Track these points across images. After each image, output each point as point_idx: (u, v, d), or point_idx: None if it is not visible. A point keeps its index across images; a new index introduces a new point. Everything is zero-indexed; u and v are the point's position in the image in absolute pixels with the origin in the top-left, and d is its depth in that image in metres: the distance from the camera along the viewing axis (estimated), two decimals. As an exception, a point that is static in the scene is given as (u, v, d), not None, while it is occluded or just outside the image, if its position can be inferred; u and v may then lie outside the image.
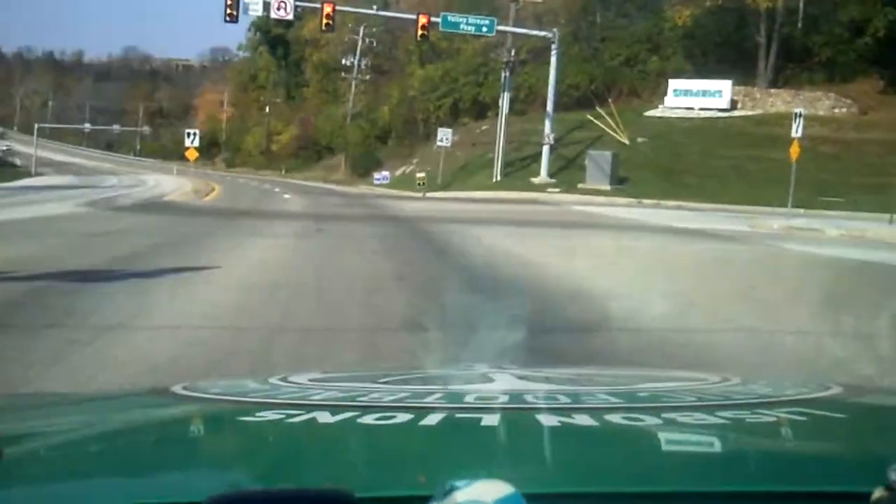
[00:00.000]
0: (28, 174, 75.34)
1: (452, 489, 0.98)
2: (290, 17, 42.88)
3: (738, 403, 1.92)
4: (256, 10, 39.86)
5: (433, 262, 12.97)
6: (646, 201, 36.14)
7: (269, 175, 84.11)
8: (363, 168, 69.63)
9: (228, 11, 38.08)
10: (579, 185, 40.47)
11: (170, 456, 1.51)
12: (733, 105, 49.41)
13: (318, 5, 41.94)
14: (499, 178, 45.48)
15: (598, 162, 40.76)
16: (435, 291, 9.66)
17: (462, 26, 42.82)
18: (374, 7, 47.53)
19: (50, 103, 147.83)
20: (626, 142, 45.75)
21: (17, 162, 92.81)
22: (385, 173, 58.63)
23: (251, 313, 7.94)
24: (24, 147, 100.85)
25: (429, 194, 43.38)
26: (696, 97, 49.66)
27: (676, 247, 16.62)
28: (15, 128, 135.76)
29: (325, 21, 39.58)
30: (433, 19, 41.50)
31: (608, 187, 39.36)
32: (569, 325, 7.70)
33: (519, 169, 46.41)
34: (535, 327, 6.93)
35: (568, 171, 43.61)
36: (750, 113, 49.19)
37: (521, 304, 8.14)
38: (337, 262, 12.29)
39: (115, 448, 1.57)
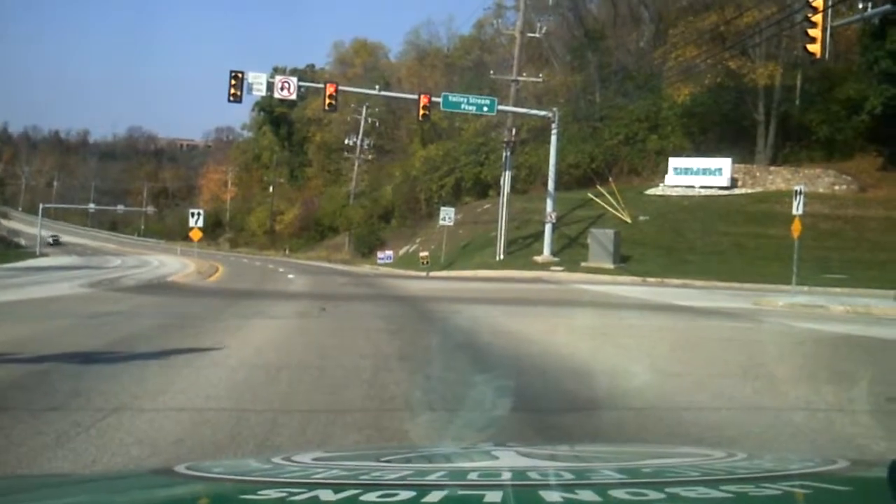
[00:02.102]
0: (32, 255, 75.60)
1: None
2: (294, 97, 43.49)
3: (743, 478, 1.90)
4: (260, 90, 40.41)
5: (438, 342, 12.93)
6: (650, 279, 36.16)
7: (272, 255, 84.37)
8: (366, 247, 69.86)
9: (232, 92, 38.58)
10: (582, 264, 40.52)
11: None
12: (733, 183, 49.74)
13: (321, 86, 42.56)
14: (502, 256, 45.60)
15: (600, 240, 40.87)
16: (438, 373, 9.62)
17: (463, 106, 43.35)
18: (377, 87, 48.19)
19: (55, 183, 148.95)
20: (628, 220, 45.95)
21: (23, 242, 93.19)
22: (388, 252, 58.79)
23: (255, 395, 7.90)
24: (28, 227, 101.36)
25: (432, 273, 43.45)
26: (697, 175, 50.02)
27: (682, 325, 16.59)
28: (20, 207, 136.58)
29: (327, 101, 40.08)
30: (434, 99, 42.04)
31: (611, 265, 39.40)
32: (573, 404, 7.65)
33: (521, 247, 46.54)
34: (540, 406, 6.90)
35: (570, 250, 43.74)
36: (750, 191, 49.49)
37: (524, 386, 8.11)
38: (340, 343, 12.25)
39: None
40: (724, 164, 49.57)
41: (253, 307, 19.37)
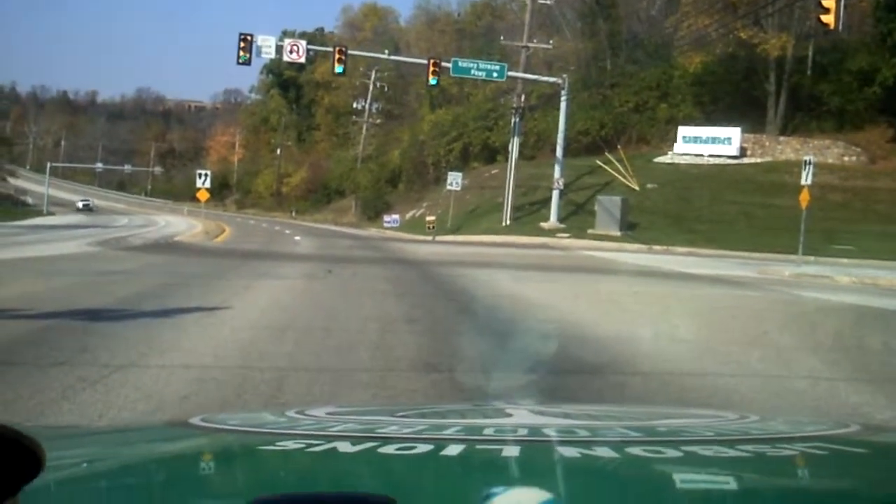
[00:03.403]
0: (40, 213, 75.73)
1: (491, 496, 0.98)
2: (303, 60, 43.31)
3: (758, 438, 1.91)
4: (269, 52, 40.24)
5: (443, 305, 12.94)
6: (656, 247, 36.13)
7: (279, 217, 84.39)
8: (373, 211, 69.85)
9: (242, 54, 38.41)
10: (589, 231, 40.50)
11: (198, 484, 1.52)
12: (742, 152, 49.59)
13: (331, 49, 42.34)
14: (508, 222, 45.56)
15: (607, 207, 40.80)
16: (444, 333, 9.65)
17: (473, 71, 43.11)
18: (386, 52, 47.97)
19: (62, 142, 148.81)
20: (636, 188, 45.84)
21: (30, 201, 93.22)
22: (395, 216, 58.79)
23: (261, 354, 7.91)
24: (36, 186, 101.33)
25: (438, 238, 43.48)
26: (706, 144, 49.84)
27: (688, 292, 16.57)
28: (28, 166, 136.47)
29: (337, 58, 39.80)
30: (444, 64, 41.80)
31: (618, 233, 39.36)
32: (579, 367, 7.65)
33: (528, 213, 46.50)
34: (545, 369, 6.91)
35: (577, 217, 43.69)
36: (759, 160, 49.34)
37: (529, 346, 8.12)
38: (347, 305, 12.27)
39: (146, 478, 1.57)
40: (734, 133, 49.39)
41: (259, 268, 19.40)
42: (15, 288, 12.92)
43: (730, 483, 1.50)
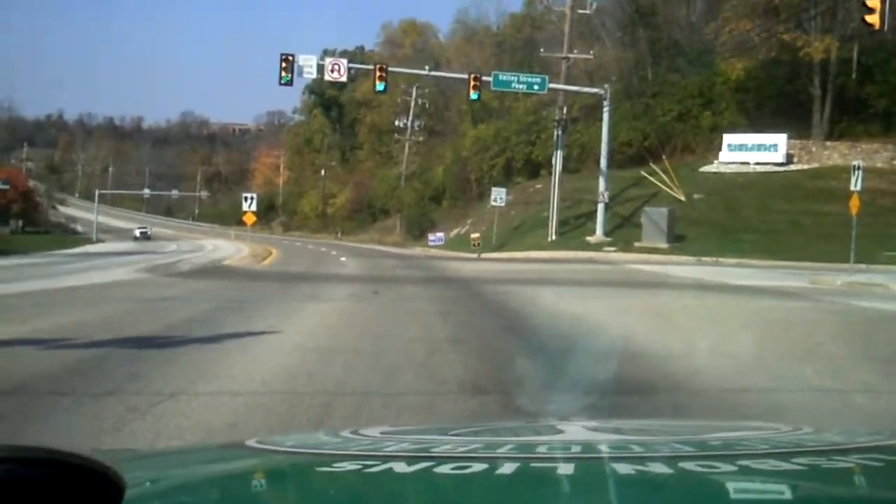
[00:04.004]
0: (89, 241, 76.66)
1: None
2: (344, 78, 43.54)
3: (813, 451, 1.89)
4: (311, 72, 40.44)
5: (491, 325, 12.86)
6: (704, 259, 35.77)
7: (324, 238, 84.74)
8: (418, 229, 69.89)
9: (283, 74, 38.70)
10: (636, 244, 40.18)
11: (266, 502, 1.54)
12: (789, 159, 48.92)
13: (371, 67, 42.51)
14: (554, 237, 45.36)
15: (654, 219, 40.45)
16: (493, 355, 9.57)
17: (513, 85, 43.01)
18: (427, 68, 48.04)
19: (110, 169, 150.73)
20: (682, 198, 45.39)
21: (79, 228, 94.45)
22: (440, 234, 58.79)
23: (309, 378, 7.89)
24: (85, 213, 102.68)
25: (484, 255, 43.38)
26: (752, 151, 49.25)
27: (738, 305, 16.37)
28: (77, 194, 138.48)
29: (378, 76, 39.89)
30: (485, 78, 41.77)
31: (665, 245, 39.01)
32: (629, 387, 7.54)
33: (573, 228, 46.26)
34: (599, 389, 6.81)
35: (623, 230, 43.36)
36: (806, 167, 48.65)
37: (581, 366, 8.02)
38: (394, 326, 12.23)
39: (203, 499, 1.59)
40: (780, 139, 48.75)
41: (306, 291, 19.44)
42: (62, 317, 13.03)
43: (785, 496, 1.49)
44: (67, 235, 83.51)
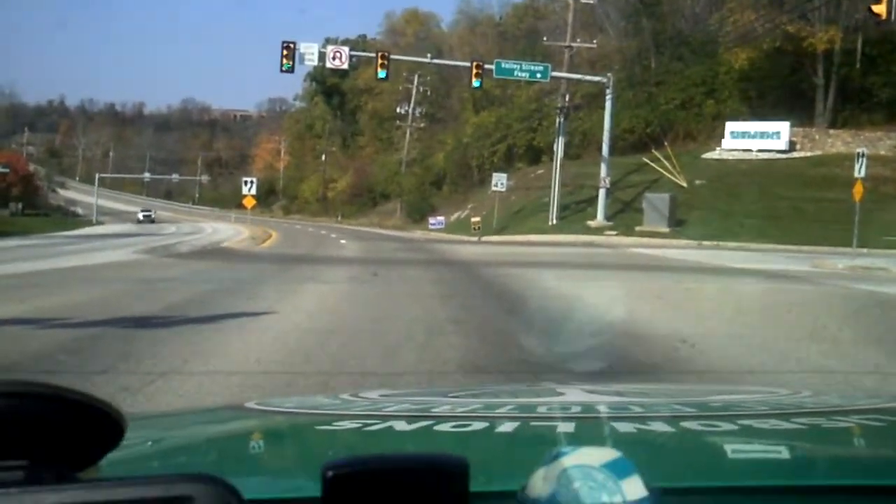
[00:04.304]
0: (89, 223, 76.66)
1: (559, 455, 0.99)
2: (346, 66, 43.31)
3: (813, 411, 1.90)
4: (312, 59, 40.24)
5: (490, 306, 12.74)
6: (705, 243, 35.65)
7: (324, 221, 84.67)
8: (418, 214, 69.83)
9: (285, 62, 38.51)
10: (637, 228, 40.08)
11: (261, 462, 1.56)
12: (792, 146, 48.73)
13: (373, 55, 42.29)
14: (554, 221, 45.24)
15: (655, 204, 40.34)
16: (493, 335, 9.44)
17: (516, 73, 42.81)
18: (429, 56, 47.83)
19: (111, 154, 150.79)
20: (684, 184, 45.23)
21: (79, 211, 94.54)
22: (440, 218, 58.65)
23: (306, 358, 7.77)
24: (85, 196, 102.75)
25: (484, 238, 43.26)
26: (754, 139, 49.08)
27: (740, 287, 16.23)
28: (77, 178, 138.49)
29: (380, 63, 39.70)
30: (487, 66, 41.55)
31: (666, 229, 38.90)
32: (632, 366, 7.42)
33: (574, 213, 46.14)
34: (602, 371, 6.68)
35: (625, 215, 43.25)
36: (809, 154, 48.48)
37: (584, 345, 7.89)
38: (393, 307, 12.10)
39: (217, 452, 1.62)
40: (783, 127, 48.56)
41: (305, 272, 19.29)
42: (60, 297, 12.89)
43: (786, 454, 1.48)
44: (67, 218, 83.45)
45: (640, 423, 1.61)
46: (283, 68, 38.81)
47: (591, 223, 42.92)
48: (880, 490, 1.22)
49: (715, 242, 35.64)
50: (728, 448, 1.49)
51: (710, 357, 7.92)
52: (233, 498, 0.86)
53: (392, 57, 43.20)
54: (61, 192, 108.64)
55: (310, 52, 39.52)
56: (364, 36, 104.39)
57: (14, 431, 0.90)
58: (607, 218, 43.04)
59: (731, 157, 49.03)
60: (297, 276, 18.12)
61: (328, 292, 14.34)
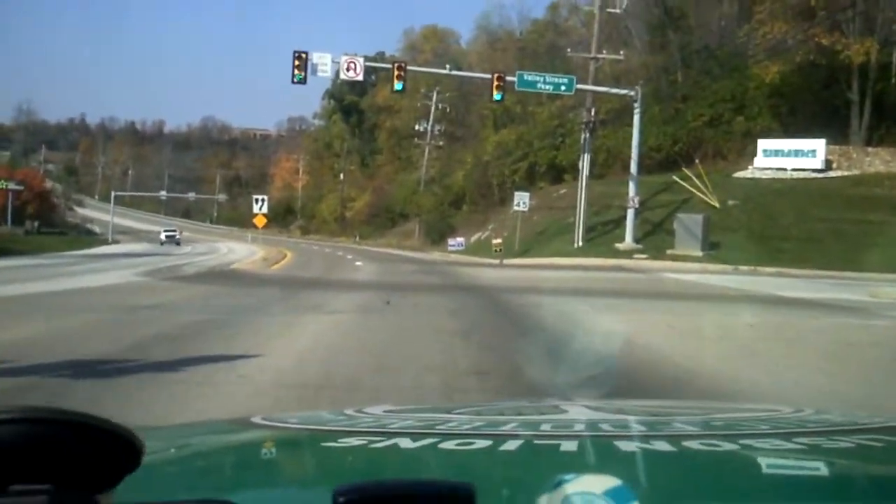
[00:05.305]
0: (105, 241, 76.23)
1: (562, 483, 1.02)
2: (360, 77, 41.20)
3: (814, 431, 1.87)
4: (325, 70, 38.42)
5: (519, 347, 10.73)
6: (742, 268, 33.60)
7: (342, 241, 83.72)
8: (437, 234, 68.27)
9: (296, 72, 36.77)
10: (668, 251, 38.07)
11: (268, 477, 1.56)
12: (828, 165, 46.50)
13: (389, 66, 40.59)
14: (580, 243, 43.22)
15: (687, 226, 38.30)
16: (524, 392, 7.49)
17: (539, 85, 41.00)
18: (448, 67, 46.11)
19: (130, 172, 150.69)
20: (716, 205, 43.07)
21: (96, 229, 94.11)
22: (460, 239, 56.76)
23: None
24: (102, 214, 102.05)
25: (506, 261, 41.36)
26: (788, 157, 46.89)
27: (805, 323, 14.13)
28: (96, 196, 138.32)
29: (397, 75, 37.92)
30: (509, 79, 39.77)
31: (699, 253, 36.88)
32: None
33: (601, 234, 44.17)
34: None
35: (655, 237, 41.21)
36: (846, 173, 46.27)
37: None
38: (403, 348, 10.18)
39: (228, 471, 1.64)
40: (818, 145, 46.33)
41: (311, 299, 17.44)
42: (13, 331, 11.01)
43: (787, 474, 1.48)
44: (83, 236, 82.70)
45: (643, 443, 1.62)
46: (295, 79, 37.03)
47: (619, 246, 40.92)
48: None
49: (752, 267, 33.59)
50: (728, 469, 1.50)
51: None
52: None
53: (409, 68, 41.51)
54: (78, 209, 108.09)
55: (323, 63, 37.72)
56: (382, 52, 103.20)
57: (39, 457, 0.93)
58: (636, 240, 41.03)
59: (764, 177, 46.86)
60: (301, 304, 16.30)
61: (330, 326, 12.40)
